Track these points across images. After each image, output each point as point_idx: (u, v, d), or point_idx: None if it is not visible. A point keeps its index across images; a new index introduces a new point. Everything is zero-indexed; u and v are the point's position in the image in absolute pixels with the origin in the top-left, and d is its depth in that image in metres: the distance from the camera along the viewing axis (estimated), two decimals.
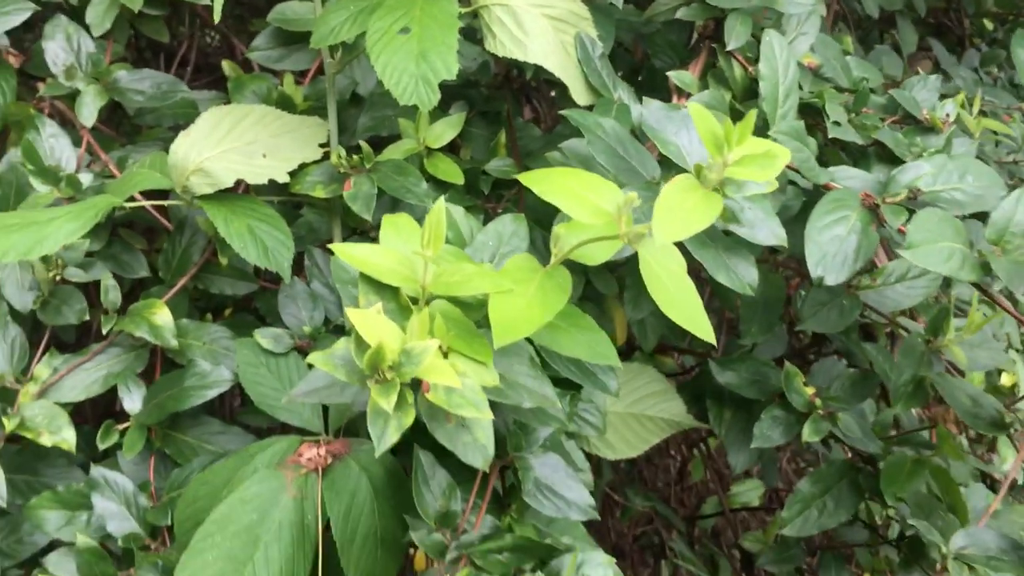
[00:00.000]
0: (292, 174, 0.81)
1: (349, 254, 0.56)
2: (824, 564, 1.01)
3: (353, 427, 0.79)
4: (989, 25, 1.73)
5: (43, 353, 0.89)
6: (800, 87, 0.82)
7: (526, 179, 0.55)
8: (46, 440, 0.83)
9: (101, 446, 0.86)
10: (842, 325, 0.84)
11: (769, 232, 0.65)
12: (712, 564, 1.19)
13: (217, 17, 0.67)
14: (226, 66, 1.02)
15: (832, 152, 0.81)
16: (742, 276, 0.66)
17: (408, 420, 0.52)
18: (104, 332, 0.86)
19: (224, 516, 0.69)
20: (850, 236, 0.67)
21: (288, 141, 0.82)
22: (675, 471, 1.37)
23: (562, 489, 0.74)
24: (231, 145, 0.80)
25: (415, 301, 0.57)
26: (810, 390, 0.86)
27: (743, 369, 0.91)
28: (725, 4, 0.78)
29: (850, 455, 1.01)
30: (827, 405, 0.85)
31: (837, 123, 0.77)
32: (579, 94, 0.76)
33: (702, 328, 0.53)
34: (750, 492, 1.28)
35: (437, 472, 0.71)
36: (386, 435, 0.51)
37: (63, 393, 0.87)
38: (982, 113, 1.02)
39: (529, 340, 0.60)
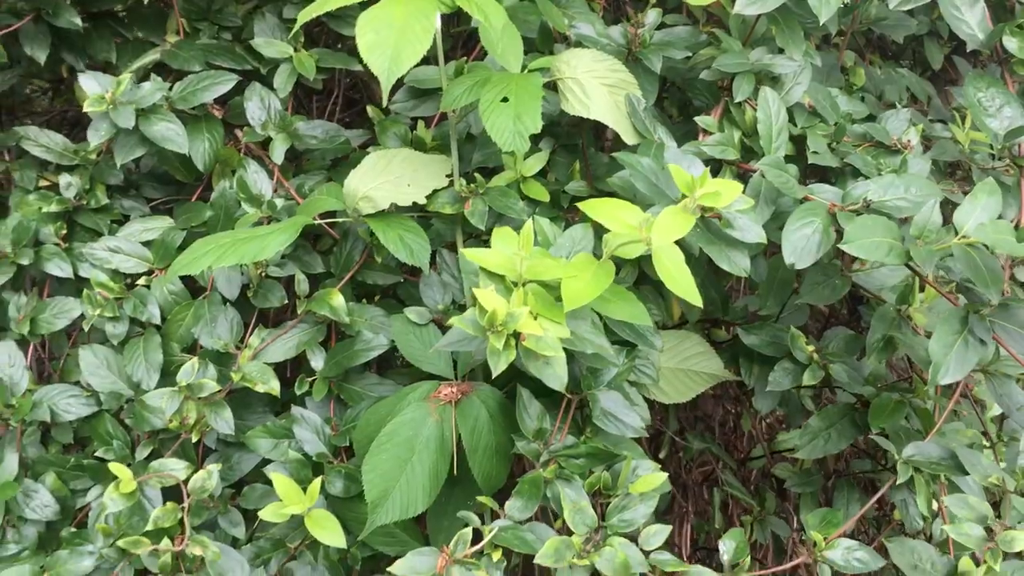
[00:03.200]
0: (428, 197, 1.14)
1: (472, 255, 0.89)
2: (838, 487, 1.29)
3: (475, 374, 1.12)
4: None
5: (254, 328, 1.25)
6: (795, 124, 1.11)
7: (584, 206, 0.87)
8: (260, 388, 1.18)
9: (298, 392, 1.21)
10: (834, 298, 1.12)
11: (755, 234, 0.95)
12: (760, 495, 1.47)
13: (385, 102, 1.00)
14: (371, 111, 1.36)
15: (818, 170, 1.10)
16: (738, 263, 0.96)
17: (511, 356, 0.84)
18: (298, 312, 1.21)
19: (390, 432, 1.03)
20: (814, 235, 0.96)
21: (424, 174, 1.15)
22: (731, 424, 1.66)
23: (621, 415, 1.05)
24: (385, 179, 1.13)
25: (516, 284, 0.89)
26: (811, 347, 1.15)
27: (763, 333, 1.20)
28: (732, 69, 1.08)
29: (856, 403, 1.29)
30: (824, 358, 1.14)
31: (816, 152, 1.05)
32: (628, 137, 1.07)
33: (693, 296, 0.84)
34: (791, 440, 1.55)
35: (532, 403, 1.03)
36: (499, 364, 0.83)
37: (269, 356, 1.22)
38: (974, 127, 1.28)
39: (596, 312, 0.92)
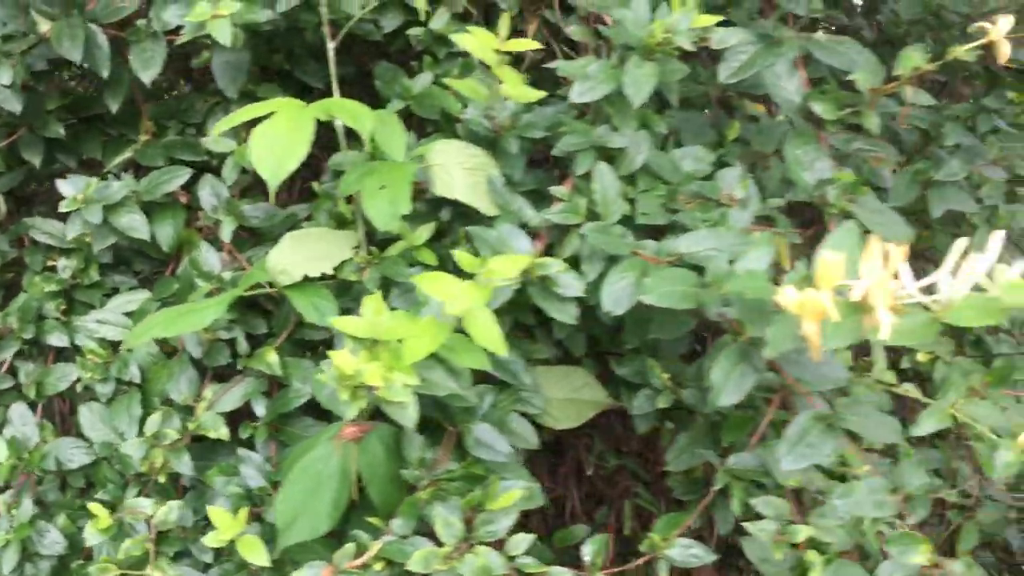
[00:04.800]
0: (336, 268, 1.36)
1: (336, 322, 1.10)
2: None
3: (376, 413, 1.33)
4: None
5: (208, 383, 1.48)
6: (635, 187, 1.31)
7: (417, 279, 1.09)
8: (212, 435, 1.41)
9: (243, 436, 1.43)
10: (680, 332, 1.30)
11: (575, 290, 1.15)
12: (679, 503, 1.65)
13: (272, 200, 1.22)
14: (315, 186, 1.59)
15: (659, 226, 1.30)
16: (566, 313, 1.16)
17: (361, 403, 1.05)
18: (240, 368, 1.44)
19: (301, 467, 1.25)
20: (628, 286, 1.14)
21: (334, 248, 1.37)
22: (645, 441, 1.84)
23: (492, 443, 1.25)
24: (300, 255, 1.36)
25: (373, 343, 1.11)
26: (666, 375, 1.34)
27: (633, 365, 1.39)
28: (573, 147, 1.27)
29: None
30: (674, 383, 1.34)
31: (644, 213, 1.25)
32: (488, 211, 1.28)
33: (497, 346, 1.05)
34: None
35: (415, 438, 1.24)
36: (348, 412, 1.05)
37: (221, 406, 1.45)
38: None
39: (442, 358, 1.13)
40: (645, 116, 1.35)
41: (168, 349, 1.56)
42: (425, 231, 1.35)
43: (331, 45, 1.35)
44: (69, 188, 1.50)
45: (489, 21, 1.62)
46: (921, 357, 1.81)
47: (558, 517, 1.88)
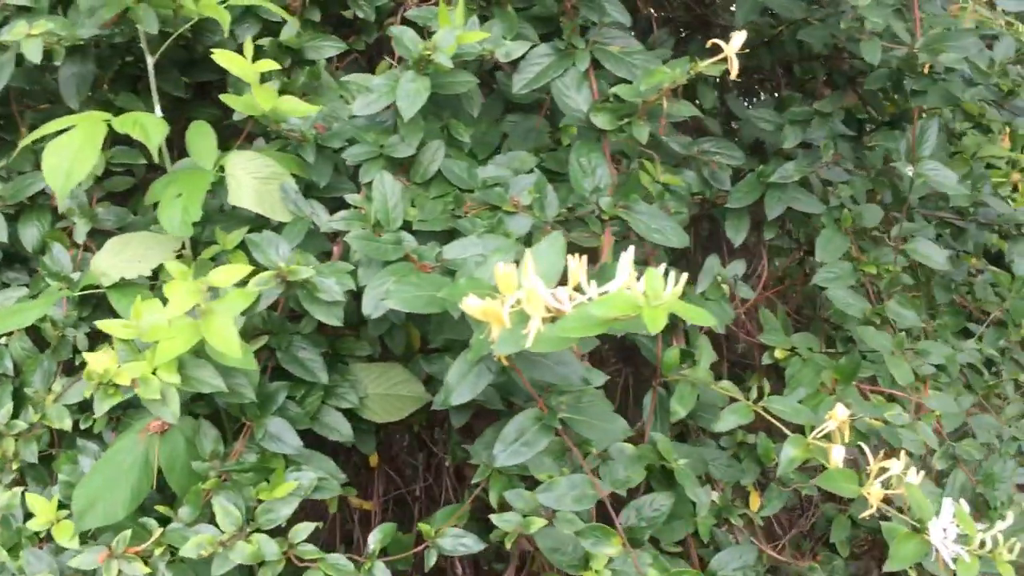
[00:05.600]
0: (156, 270, 1.45)
1: (104, 325, 1.19)
2: None
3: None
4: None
5: (59, 376, 1.58)
6: (429, 192, 1.37)
7: (164, 286, 1.17)
8: (56, 425, 1.50)
9: (83, 427, 1.53)
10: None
11: (336, 294, 1.23)
12: None
13: (61, 209, 1.31)
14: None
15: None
16: (332, 315, 1.24)
17: (115, 399, 1.14)
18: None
19: (107, 458, 1.34)
20: (384, 291, 1.22)
21: (156, 252, 1.45)
22: None
23: (283, 436, 1.33)
24: (121, 258, 1.44)
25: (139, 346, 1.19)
26: None
27: (438, 363, 1.46)
28: (360, 158, 1.34)
29: None
30: None
31: (422, 220, 1.31)
32: (281, 217, 1.36)
33: (232, 351, 1.12)
34: None
35: (209, 431, 1.32)
36: (100, 407, 1.13)
37: (68, 398, 1.54)
38: None
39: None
40: (450, 125, 1.42)
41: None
42: (238, 235, 1.43)
43: (151, 60, 1.43)
44: None
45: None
46: (778, 354, 1.85)
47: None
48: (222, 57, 1.32)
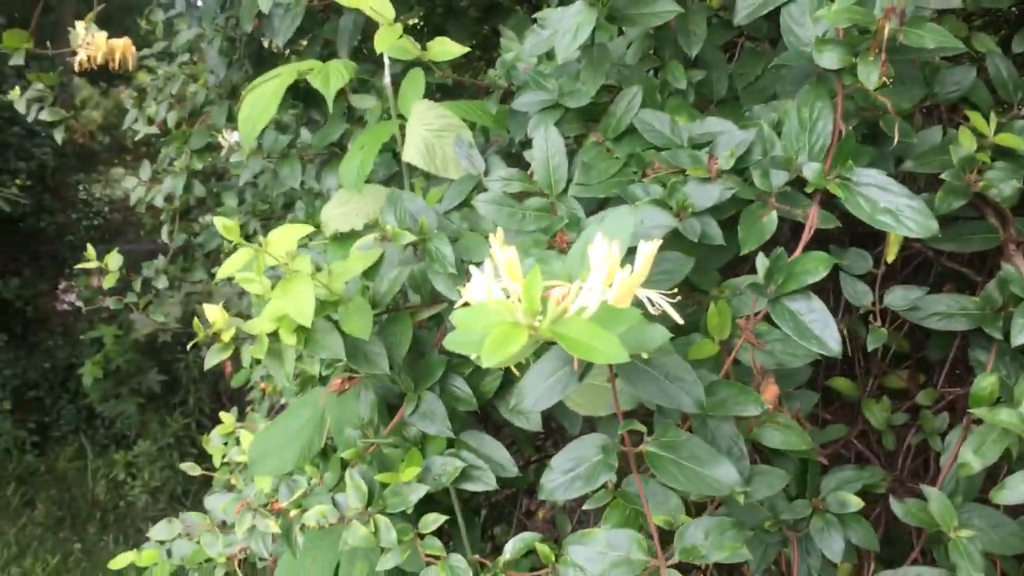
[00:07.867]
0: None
1: (243, 278, 1.16)
2: None
3: None
4: None
5: None
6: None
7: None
8: None
9: None
10: None
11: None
12: None
13: (247, 152, 1.30)
14: None
15: None
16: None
17: (225, 354, 1.11)
18: None
19: (285, 414, 1.34)
20: None
21: (370, 203, 1.40)
22: None
23: (434, 414, 1.20)
24: (344, 209, 1.42)
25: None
26: None
27: None
28: (533, 107, 1.14)
29: None
30: None
31: (583, 184, 1.07)
32: (448, 173, 1.21)
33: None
34: None
35: (368, 398, 1.25)
36: (212, 359, 1.11)
37: None
38: None
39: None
40: (669, 67, 1.17)
41: None
42: (438, 191, 1.33)
43: None
44: None
45: None
46: None
47: None
48: None
